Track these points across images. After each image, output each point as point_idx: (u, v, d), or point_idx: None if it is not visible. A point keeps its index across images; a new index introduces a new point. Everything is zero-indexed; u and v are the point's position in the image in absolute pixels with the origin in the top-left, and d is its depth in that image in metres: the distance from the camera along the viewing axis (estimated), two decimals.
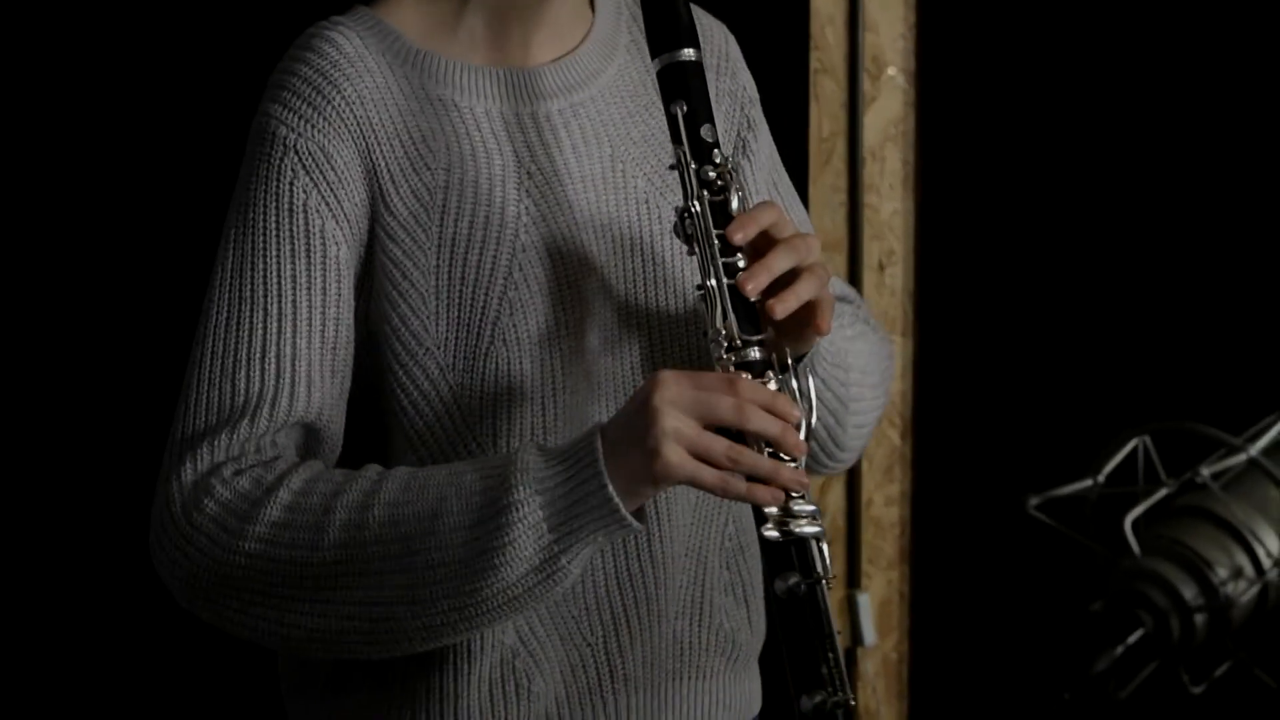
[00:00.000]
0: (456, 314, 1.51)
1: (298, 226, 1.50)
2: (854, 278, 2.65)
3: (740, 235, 1.43)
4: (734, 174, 1.45)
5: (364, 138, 1.52)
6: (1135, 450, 1.07)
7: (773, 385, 1.40)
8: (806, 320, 1.45)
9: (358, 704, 1.56)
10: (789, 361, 1.44)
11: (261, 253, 1.49)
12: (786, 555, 1.39)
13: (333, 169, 1.51)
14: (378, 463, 1.52)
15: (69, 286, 2.45)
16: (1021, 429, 2.63)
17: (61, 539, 2.46)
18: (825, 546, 1.39)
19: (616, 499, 1.35)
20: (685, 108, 1.46)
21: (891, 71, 2.64)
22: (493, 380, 1.52)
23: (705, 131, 1.46)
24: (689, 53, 1.47)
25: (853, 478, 2.71)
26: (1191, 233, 2.47)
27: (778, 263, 1.42)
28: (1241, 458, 1.00)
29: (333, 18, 1.56)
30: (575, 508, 1.36)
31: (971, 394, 2.68)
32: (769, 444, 1.38)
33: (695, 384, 1.36)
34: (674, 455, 1.34)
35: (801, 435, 1.40)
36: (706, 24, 1.68)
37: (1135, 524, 1.07)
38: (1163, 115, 2.47)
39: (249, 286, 1.49)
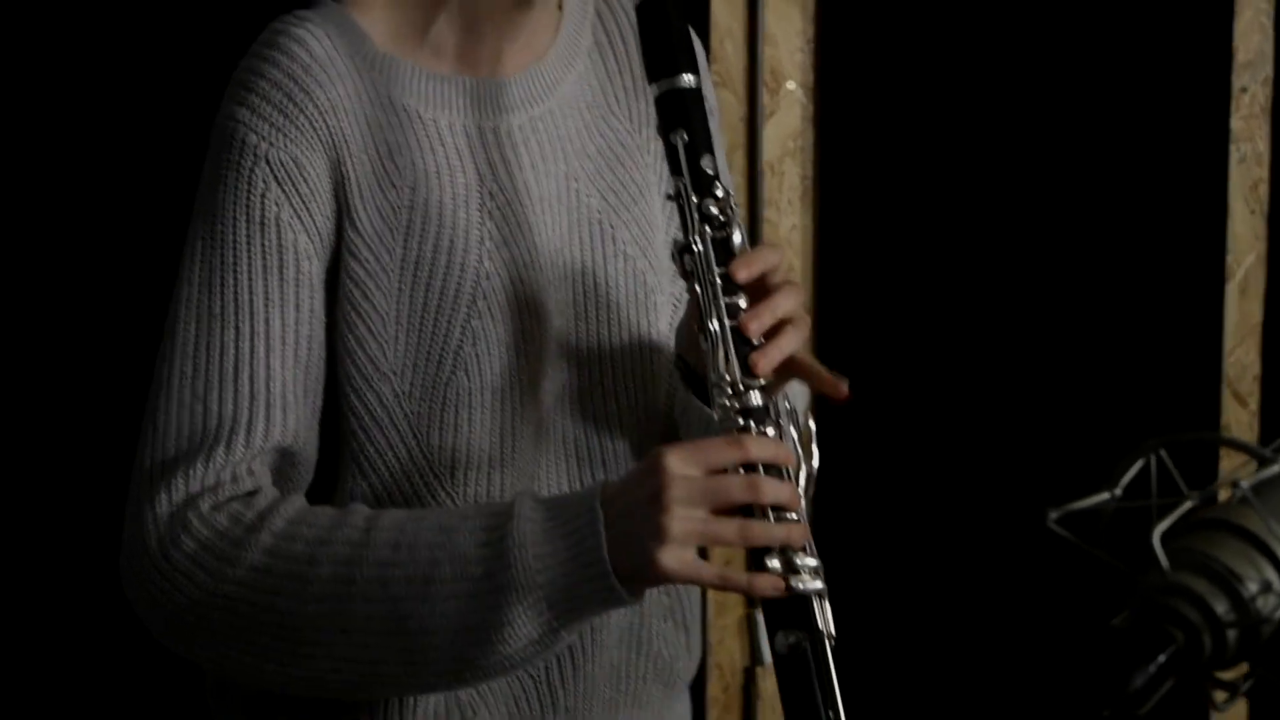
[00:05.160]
0: (417, 340, 1.45)
1: (270, 241, 1.42)
2: None
3: (745, 273, 1.38)
4: (735, 209, 1.41)
5: (335, 148, 1.44)
6: (1148, 463, 1.05)
7: (771, 431, 1.36)
8: (784, 372, 1.40)
9: None
10: (789, 406, 1.40)
11: (232, 268, 1.42)
12: (788, 611, 1.33)
13: (305, 181, 1.43)
14: (325, 481, 1.47)
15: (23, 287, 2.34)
16: (919, 443, 2.63)
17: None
18: (827, 604, 1.34)
19: (620, 589, 1.31)
20: (686, 137, 1.40)
21: (790, 85, 2.62)
22: (453, 408, 1.46)
23: (706, 163, 1.41)
24: (689, 79, 1.42)
25: None
26: (1090, 254, 2.49)
27: (782, 305, 1.38)
28: (1276, 469, 0.98)
29: (299, 12, 1.48)
30: (576, 589, 1.32)
31: (871, 410, 2.66)
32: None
33: (704, 464, 1.31)
34: (677, 562, 1.30)
35: (803, 482, 1.36)
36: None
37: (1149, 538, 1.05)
38: (1066, 129, 2.49)
39: (219, 303, 1.41)
